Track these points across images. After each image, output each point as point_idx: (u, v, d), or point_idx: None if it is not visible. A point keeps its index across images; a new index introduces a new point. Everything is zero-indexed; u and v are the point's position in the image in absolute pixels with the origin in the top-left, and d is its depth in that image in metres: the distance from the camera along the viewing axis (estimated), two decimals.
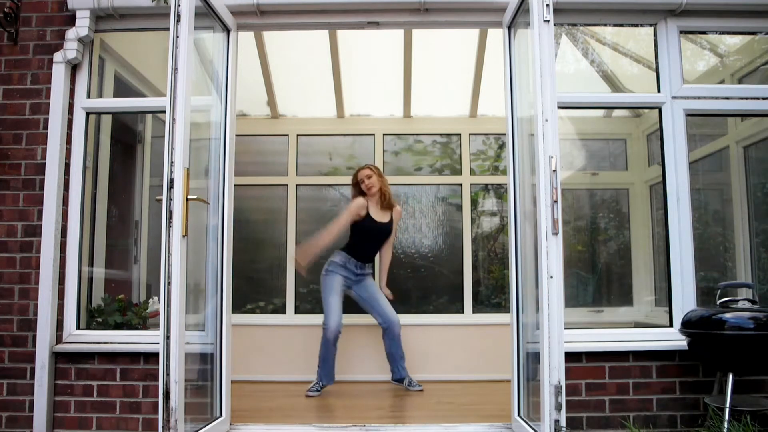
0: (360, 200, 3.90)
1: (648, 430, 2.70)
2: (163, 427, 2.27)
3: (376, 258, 4.19)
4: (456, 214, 4.70)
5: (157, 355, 2.50)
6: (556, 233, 2.36)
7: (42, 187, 2.91)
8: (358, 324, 4.29)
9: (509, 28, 2.98)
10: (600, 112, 4.31)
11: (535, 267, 2.57)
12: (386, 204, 3.98)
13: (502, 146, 4.80)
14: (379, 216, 3.96)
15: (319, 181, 4.77)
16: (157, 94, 3.50)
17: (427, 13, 3.03)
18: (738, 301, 2.66)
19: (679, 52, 3.00)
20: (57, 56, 2.96)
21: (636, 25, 3.15)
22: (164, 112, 2.39)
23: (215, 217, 2.87)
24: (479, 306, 4.57)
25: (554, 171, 2.37)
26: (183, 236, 2.36)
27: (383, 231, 3.96)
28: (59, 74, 2.96)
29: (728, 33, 3.31)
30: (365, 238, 3.95)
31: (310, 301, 4.60)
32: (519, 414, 2.76)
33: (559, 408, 2.29)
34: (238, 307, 4.19)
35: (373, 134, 4.76)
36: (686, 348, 2.67)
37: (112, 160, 3.44)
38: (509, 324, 2.88)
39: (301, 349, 4.33)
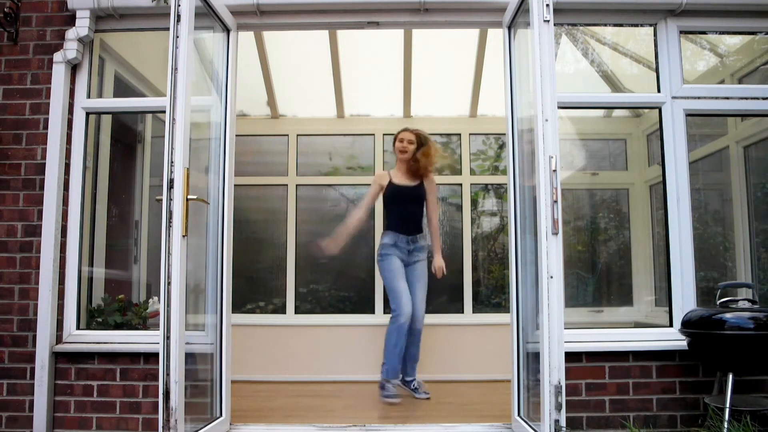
0: (378, 172, 3.90)
1: (648, 430, 2.70)
2: (163, 427, 2.27)
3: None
4: (456, 214, 4.70)
5: (157, 355, 2.50)
6: (556, 233, 2.36)
7: (42, 187, 2.91)
8: (356, 324, 4.30)
9: (509, 28, 2.98)
10: (600, 112, 4.31)
11: (535, 267, 2.57)
12: (414, 172, 3.77)
13: (502, 146, 4.80)
14: (403, 180, 3.78)
15: (319, 181, 4.77)
16: (157, 94, 3.50)
17: (427, 13, 3.03)
18: (738, 301, 2.66)
19: (679, 52, 3.00)
20: (57, 56, 2.96)
21: (636, 25, 3.15)
22: (164, 112, 2.39)
23: (215, 217, 2.87)
24: (479, 306, 4.57)
25: (554, 171, 2.37)
26: (183, 236, 2.36)
27: (409, 194, 3.74)
28: (59, 74, 2.96)
29: (728, 33, 3.31)
30: (394, 205, 3.78)
31: (310, 301, 4.60)
32: (519, 414, 2.76)
33: (559, 408, 2.29)
34: (238, 307, 4.19)
35: (373, 134, 4.76)
36: (686, 348, 2.67)
37: (112, 160, 3.44)
38: (509, 324, 2.88)
39: (301, 349, 4.34)
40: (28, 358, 2.82)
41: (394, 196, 3.77)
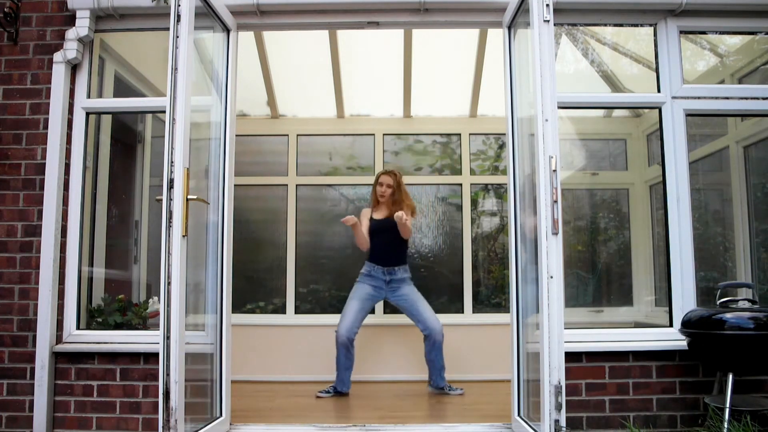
0: (363, 211, 4.06)
1: (648, 430, 2.70)
2: (163, 427, 2.27)
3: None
4: (456, 214, 4.70)
5: (157, 355, 2.50)
6: (556, 233, 2.36)
7: (42, 187, 2.91)
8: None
9: (509, 28, 2.98)
10: (600, 112, 4.31)
11: (535, 267, 2.57)
12: (389, 205, 3.96)
13: (502, 146, 4.80)
14: (381, 214, 3.97)
15: (319, 181, 4.77)
16: (157, 94, 3.50)
17: (427, 13, 3.03)
18: (738, 301, 2.66)
19: (679, 52, 3.00)
20: (57, 56, 2.96)
21: (636, 25, 3.15)
22: (164, 112, 2.39)
23: (215, 217, 2.87)
24: (479, 306, 4.57)
25: (554, 171, 2.37)
26: (183, 236, 2.36)
27: (385, 225, 3.90)
28: (59, 74, 2.95)
29: (728, 33, 3.31)
30: (374, 238, 3.92)
31: (310, 301, 4.61)
32: (519, 414, 2.76)
33: (559, 408, 2.29)
34: (238, 307, 4.20)
35: (373, 134, 4.77)
36: (686, 348, 2.67)
37: (112, 160, 3.44)
38: (509, 324, 2.88)
39: (301, 349, 4.34)
40: (28, 358, 2.82)
41: (372, 229, 3.95)
